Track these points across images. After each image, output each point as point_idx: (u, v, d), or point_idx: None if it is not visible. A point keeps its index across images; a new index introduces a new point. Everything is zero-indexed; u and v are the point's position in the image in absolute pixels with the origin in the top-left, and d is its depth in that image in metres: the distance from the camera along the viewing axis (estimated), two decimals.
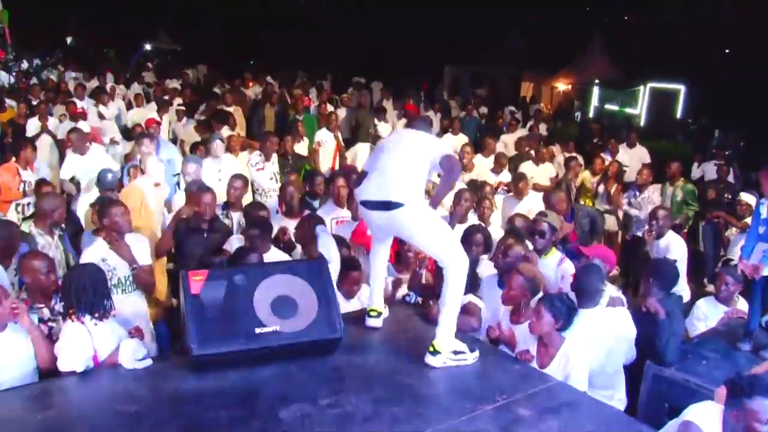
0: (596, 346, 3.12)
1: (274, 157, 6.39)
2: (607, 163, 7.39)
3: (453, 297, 2.77)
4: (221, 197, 4.99)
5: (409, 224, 2.77)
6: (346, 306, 3.46)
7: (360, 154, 7.63)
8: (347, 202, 4.65)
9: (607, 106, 17.15)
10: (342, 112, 10.29)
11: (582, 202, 6.53)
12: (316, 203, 5.22)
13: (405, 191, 2.76)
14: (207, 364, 2.54)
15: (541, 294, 3.27)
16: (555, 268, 3.82)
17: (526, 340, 3.08)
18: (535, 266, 3.52)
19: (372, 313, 3.13)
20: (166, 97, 10.28)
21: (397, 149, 2.91)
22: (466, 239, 4.07)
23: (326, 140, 8.06)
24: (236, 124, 8.56)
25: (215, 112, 8.83)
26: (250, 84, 13.21)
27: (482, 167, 6.87)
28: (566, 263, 3.82)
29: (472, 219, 4.87)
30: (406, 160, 2.84)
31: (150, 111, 9.32)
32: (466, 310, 3.27)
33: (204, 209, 4.13)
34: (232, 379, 2.53)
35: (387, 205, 2.75)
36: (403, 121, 9.74)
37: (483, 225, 4.54)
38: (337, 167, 7.91)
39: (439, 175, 3.01)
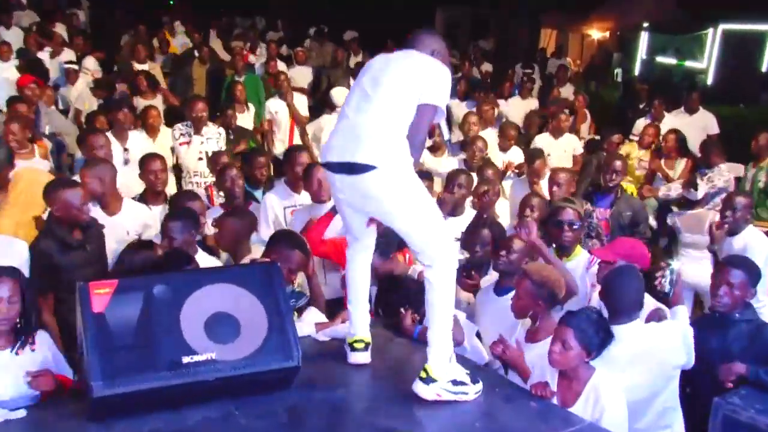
0: (637, 376, 3.20)
1: (211, 129, 6.44)
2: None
3: (441, 306, 2.82)
4: (132, 187, 5.03)
5: (380, 194, 2.72)
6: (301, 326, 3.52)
7: (327, 129, 7.70)
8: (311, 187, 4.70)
9: (660, 59, 17.05)
10: (302, 72, 10.35)
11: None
12: (257, 192, 5.29)
13: (378, 147, 2.70)
14: (114, 408, 2.56)
15: (561, 309, 3.37)
16: (583, 273, 3.94)
17: (543, 367, 3.16)
18: (555, 268, 3.63)
19: (356, 345, 3.09)
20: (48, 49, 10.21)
21: (376, 84, 2.81)
22: (470, 237, 4.16)
23: (279, 110, 8.17)
24: (151, 91, 8.54)
25: (121, 71, 8.85)
26: (170, 32, 13.20)
27: (493, 144, 7.03)
28: (596, 266, 3.93)
29: (470, 211, 4.97)
30: (386, 100, 2.77)
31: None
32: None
33: (69, 211, 3.87)
34: (150, 427, 2.55)
35: (351, 168, 2.73)
36: None
37: (492, 218, 4.66)
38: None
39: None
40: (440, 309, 2.83)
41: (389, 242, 3.74)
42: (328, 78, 9.82)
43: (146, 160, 5.04)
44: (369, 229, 3.03)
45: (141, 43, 10.57)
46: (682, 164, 7.06)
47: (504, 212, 5.57)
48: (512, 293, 3.56)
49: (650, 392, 3.29)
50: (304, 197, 4.94)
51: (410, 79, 2.80)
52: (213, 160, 5.92)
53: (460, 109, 8.78)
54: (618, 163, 5.41)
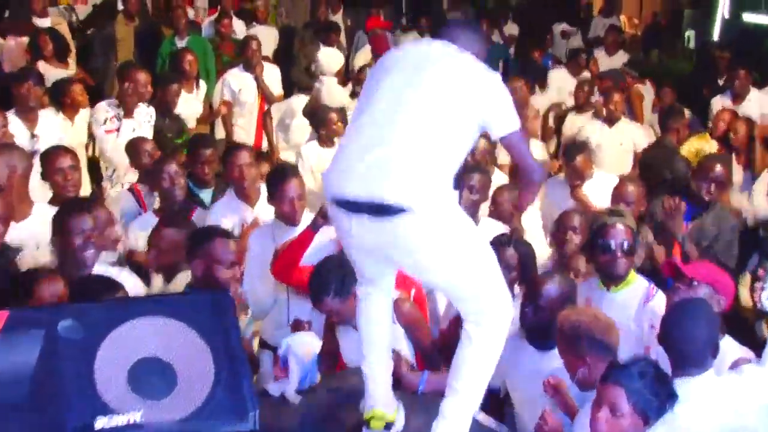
0: None
1: (143, 111, 6.44)
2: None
3: (477, 371, 2.89)
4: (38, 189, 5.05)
5: (417, 244, 2.77)
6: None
7: (299, 114, 7.71)
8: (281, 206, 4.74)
9: (749, 17, 17.01)
10: (265, 34, 10.36)
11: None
12: (204, 193, 5.35)
13: (417, 183, 2.75)
14: None
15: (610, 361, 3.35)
16: (639, 308, 3.99)
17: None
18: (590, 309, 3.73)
19: (374, 425, 3.13)
20: None
21: (415, 93, 2.87)
22: None
23: (243, 87, 8.16)
24: (60, 58, 8.54)
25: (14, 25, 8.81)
26: None
27: None
28: (658, 298, 4.00)
29: (487, 222, 5.03)
30: (431, 120, 2.83)
31: None
32: None
33: None
34: None
35: (378, 209, 2.75)
36: (368, 51, 9.88)
37: (518, 232, 4.70)
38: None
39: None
40: (474, 374, 2.89)
41: (347, 274, 3.77)
42: (302, 41, 9.82)
43: (51, 155, 5.05)
44: (387, 276, 3.10)
45: None
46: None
47: (535, 223, 5.60)
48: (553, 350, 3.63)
49: None
50: (259, 210, 5.01)
51: (467, 98, 2.89)
52: (136, 149, 5.89)
53: None
54: (719, 169, 5.40)
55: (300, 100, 7.78)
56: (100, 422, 2.60)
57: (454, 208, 2.85)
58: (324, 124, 6.60)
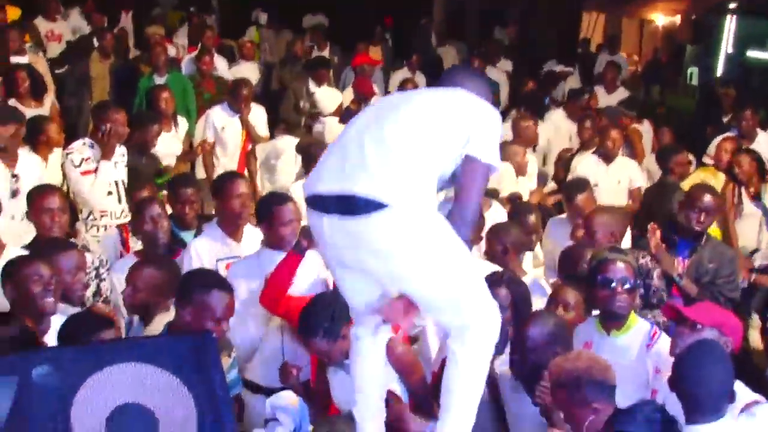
0: None
1: (116, 151, 6.50)
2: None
3: (465, 392, 2.88)
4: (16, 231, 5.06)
5: (391, 245, 2.73)
6: None
7: (287, 153, 7.74)
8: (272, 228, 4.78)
9: (753, 53, 17.15)
10: (248, 71, 10.45)
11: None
12: (186, 235, 5.39)
13: (392, 178, 2.74)
14: None
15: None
16: (641, 352, 4.03)
17: None
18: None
19: None
20: None
21: (406, 103, 2.96)
22: None
23: (227, 125, 8.26)
24: (35, 96, 8.59)
25: None
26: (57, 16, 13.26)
27: (503, 168, 7.15)
28: (662, 341, 4.03)
29: (481, 263, 5.05)
30: (416, 125, 2.87)
31: None
32: None
33: None
34: None
35: (348, 204, 2.72)
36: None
37: (511, 273, 4.73)
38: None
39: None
40: (464, 393, 2.88)
41: (337, 315, 3.80)
42: (281, 79, 9.93)
43: (39, 195, 5.07)
44: (371, 290, 3.03)
45: (13, 27, 10.54)
46: None
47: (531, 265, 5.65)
48: None
49: None
50: (245, 247, 5.02)
51: (457, 112, 2.93)
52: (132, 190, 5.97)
53: None
54: (708, 199, 5.49)
55: (285, 141, 7.81)
56: None
57: (433, 209, 2.81)
58: (316, 161, 6.60)
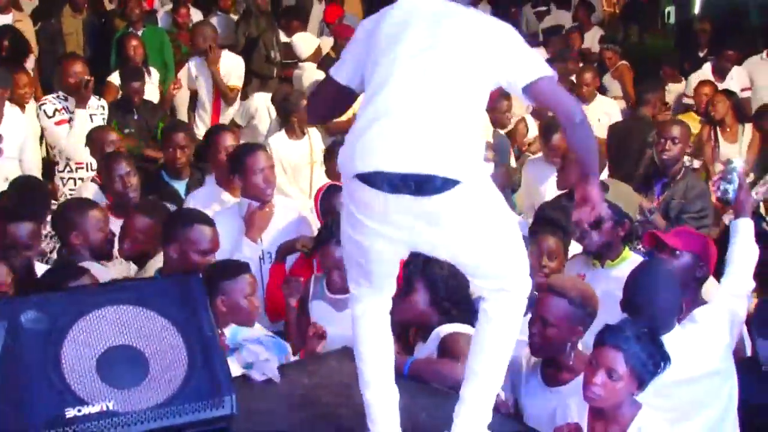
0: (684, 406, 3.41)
1: (94, 103, 6.49)
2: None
3: (501, 350, 2.87)
4: None
5: (463, 219, 2.69)
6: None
7: (260, 111, 7.67)
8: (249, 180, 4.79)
9: None
10: (222, 22, 10.34)
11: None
12: (178, 184, 5.37)
13: (462, 153, 2.68)
14: None
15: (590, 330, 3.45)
16: None
17: (566, 409, 3.29)
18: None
19: None
20: None
21: (431, 53, 2.76)
22: None
23: (199, 74, 8.21)
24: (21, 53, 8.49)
25: None
26: None
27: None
28: None
29: None
30: (453, 82, 2.74)
31: None
32: (453, 351, 3.46)
33: None
34: None
35: (423, 184, 2.62)
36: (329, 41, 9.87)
37: None
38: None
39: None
40: (494, 354, 2.87)
41: None
42: (248, 34, 9.73)
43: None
44: (395, 272, 3.02)
45: None
46: (747, 135, 7.21)
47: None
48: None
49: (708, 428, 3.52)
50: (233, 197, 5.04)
51: (485, 53, 2.79)
52: (97, 140, 5.89)
53: None
54: (676, 129, 5.55)
55: (257, 100, 7.72)
56: (71, 413, 2.62)
57: (489, 179, 2.79)
58: (296, 111, 6.58)
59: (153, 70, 8.33)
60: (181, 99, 8.47)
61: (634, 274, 3.64)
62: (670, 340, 3.32)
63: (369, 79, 2.85)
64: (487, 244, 2.78)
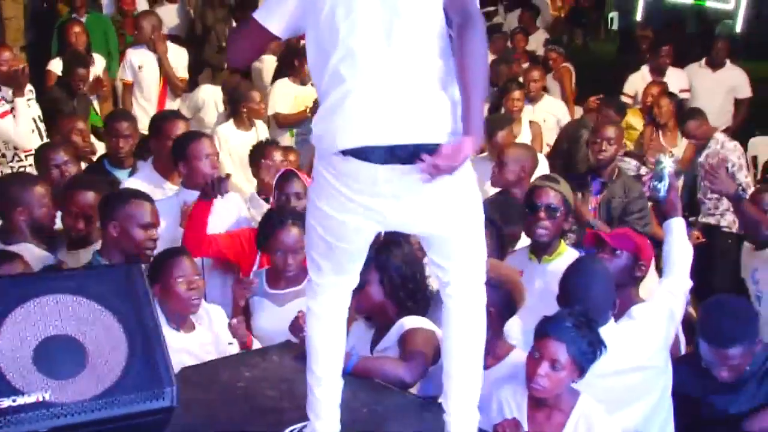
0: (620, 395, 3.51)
1: (29, 89, 6.32)
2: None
3: (479, 341, 2.90)
4: None
5: (452, 188, 2.71)
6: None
7: (208, 103, 7.59)
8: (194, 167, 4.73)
9: None
10: (170, 13, 10.24)
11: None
12: (121, 173, 5.31)
13: (450, 116, 2.68)
14: None
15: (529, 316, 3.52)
16: None
17: (501, 400, 3.33)
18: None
19: None
20: None
21: (390, 14, 2.67)
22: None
23: (144, 64, 8.09)
24: None
25: None
26: None
27: None
28: None
29: None
30: (423, 42, 2.69)
31: None
32: (408, 349, 3.47)
33: None
34: None
35: (416, 153, 2.61)
36: None
37: None
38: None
39: None
40: (477, 345, 2.89)
41: None
42: (203, 23, 9.64)
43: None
44: (362, 257, 2.97)
45: None
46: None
47: None
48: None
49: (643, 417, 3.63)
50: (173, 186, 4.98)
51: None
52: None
53: None
54: (611, 130, 5.65)
55: (205, 92, 7.66)
56: (5, 402, 2.57)
57: None
58: (246, 101, 6.53)
59: (97, 57, 8.19)
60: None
61: (569, 269, 3.74)
62: (604, 334, 3.39)
63: (319, 43, 2.76)
64: (463, 217, 2.80)
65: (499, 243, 4.43)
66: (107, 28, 9.22)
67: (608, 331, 3.50)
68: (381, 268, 3.66)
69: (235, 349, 3.94)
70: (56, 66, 7.59)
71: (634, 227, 5.02)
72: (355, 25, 2.68)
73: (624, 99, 8.40)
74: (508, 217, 4.76)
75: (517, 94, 7.21)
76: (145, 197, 4.05)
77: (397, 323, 3.62)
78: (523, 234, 4.74)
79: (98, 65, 8.10)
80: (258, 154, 5.64)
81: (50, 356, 2.67)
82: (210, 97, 7.51)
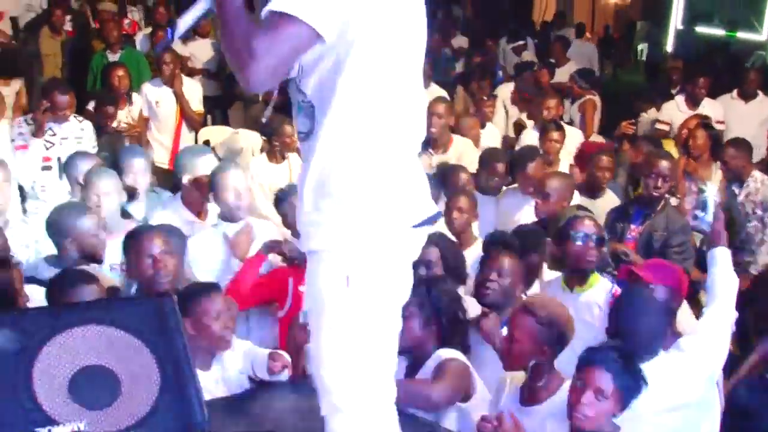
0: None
1: (73, 126, 6.45)
2: None
3: None
4: None
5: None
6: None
7: (246, 151, 7.60)
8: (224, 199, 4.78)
9: (703, 29, 17.38)
10: (203, 48, 10.36)
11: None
12: (134, 207, 5.35)
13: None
14: None
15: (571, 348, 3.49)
16: (605, 309, 4.10)
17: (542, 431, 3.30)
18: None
19: None
20: None
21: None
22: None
23: (161, 100, 8.17)
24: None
25: None
26: None
27: (463, 143, 7.24)
28: None
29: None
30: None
31: None
32: (439, 375, 3.45)
33: None
34: None
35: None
36: None
37: (449, 236, 4.84)
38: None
39: None
40: None
41: None
42: None
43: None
44: None
45: None
46: (719, 172, 7.27)
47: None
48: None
49: None
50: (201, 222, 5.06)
51: None
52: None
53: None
54: (664, 165, 5.51)
55: (245, 138, 7.63)
56: None
57: None
58: (278, 136, 6.58)
59: (136, 96, 8.17)
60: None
61: (621, 300, 3.73)
62: (653, 367, 3.38)
63: (375, 71, 2.41)
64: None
65: (530, 266, 4.51)
66: (141, 64, 9.29)
67: (658, 364, 3.47)
68: (423, 304, 3.67)
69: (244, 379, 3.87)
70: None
71: (675, 261, 5.00)
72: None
73: (660, 126, 8.38)
74: (532, 245, 4.75)
75: (555, 135, 7.11)
76: (154, 230, 4.17)
77: (434, 354, 3.64)
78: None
79: (136, 105, 8.12)
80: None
81: (85, 386, 2.69)
82: (248, 145, 7.50)
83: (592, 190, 6.21)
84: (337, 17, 2.29)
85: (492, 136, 8.16)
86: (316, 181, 2.47)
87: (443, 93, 8.89)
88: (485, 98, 8.62)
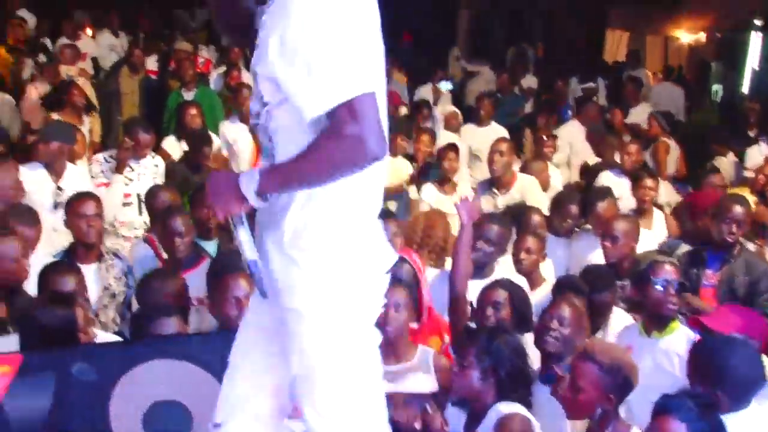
0: None
1: (148, 162, 6.56)
2: None
3: None
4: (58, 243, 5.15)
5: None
6: None
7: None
8: None
9: None
10: None
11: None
12: (209, 245, 5.34)
13: None
14: None
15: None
16: (684, 354, 3.96)
17: None
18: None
19: None
20: None
21: None
22: (479, 304, 4.27)
23: (238, 139, 8.24)
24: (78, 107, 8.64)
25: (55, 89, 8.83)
26: (88, 32, 13.41)
27: (527, 180, 7.20)
28: None
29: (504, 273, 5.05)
30: None
31: None
32: None
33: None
34: None
35: None
36: None
37: (512, 281, 4.70)
38: None
39: None
40: None
41: None
42: None
43: (76, 201, 5.09)
44: None
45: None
46: None
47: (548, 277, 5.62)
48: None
49: None
50: None
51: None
52: (152, 198, 5.92)
53: (488, 134, 8.81)
54: (739, 210, 5.40)
55: None
56: None
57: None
58: None
59: (213, 136, 8.16)
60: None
61: (709, 343, 3.60)
62: (745, 418, 3.26)
63: None
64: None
65: (596, 310, 4.42)
66: (214, 102, 9.42)
67: (750, 415, 3.36)
68: (482, 355, 3.63)
69: None
70: (170, 144, 7.79)
71: (765, 308, 4.89)
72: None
73: (747, 174, 8.26)
74: (601, 286, 4.69)
75: (649, 182, 6.86)
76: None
77: (493, 408, 3.55)
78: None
79: (214, 144, 8.22)
80: None
81: (159, 420, 2.78)
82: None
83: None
84: (363, 65, 2.35)
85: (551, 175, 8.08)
86: (293, 232, 2.48)
87: (504, 132, 8.93)
88: (545, 138, 8.53)
